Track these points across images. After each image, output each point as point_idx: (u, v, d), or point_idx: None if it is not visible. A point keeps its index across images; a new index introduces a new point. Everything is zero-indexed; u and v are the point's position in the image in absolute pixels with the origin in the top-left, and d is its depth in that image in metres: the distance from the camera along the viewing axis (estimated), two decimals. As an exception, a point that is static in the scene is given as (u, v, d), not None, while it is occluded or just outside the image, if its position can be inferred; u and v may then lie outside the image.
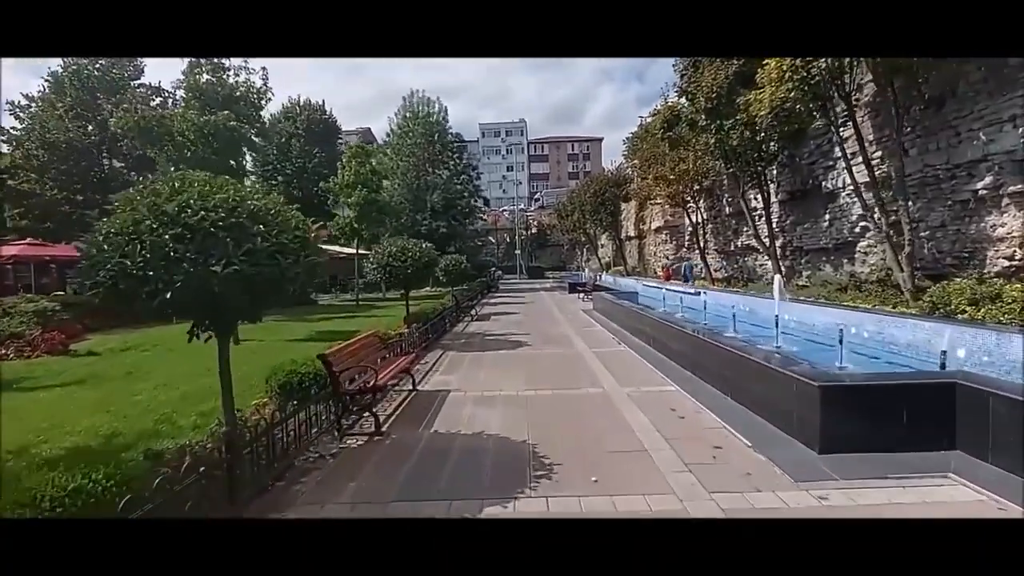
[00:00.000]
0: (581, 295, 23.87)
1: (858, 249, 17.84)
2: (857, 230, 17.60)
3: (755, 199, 21.52)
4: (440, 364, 9.87)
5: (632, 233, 40.89)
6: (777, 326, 9.39)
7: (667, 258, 34.20)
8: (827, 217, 18.93)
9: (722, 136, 19.31)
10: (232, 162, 13.40)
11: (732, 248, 26.31)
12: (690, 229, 31.04)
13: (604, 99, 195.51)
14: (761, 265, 24.13)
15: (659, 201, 27.20)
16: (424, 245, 11.67)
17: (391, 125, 36.32)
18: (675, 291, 19.23)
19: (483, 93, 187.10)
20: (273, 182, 29.59)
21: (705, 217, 27.55)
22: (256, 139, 14.61)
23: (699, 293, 18.16)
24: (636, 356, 9.79)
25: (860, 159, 15.61)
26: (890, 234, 14.47)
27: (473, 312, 17.94)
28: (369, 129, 44.40)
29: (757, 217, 23.61)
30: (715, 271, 27.08)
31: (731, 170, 20.52)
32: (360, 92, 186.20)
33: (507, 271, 53.78)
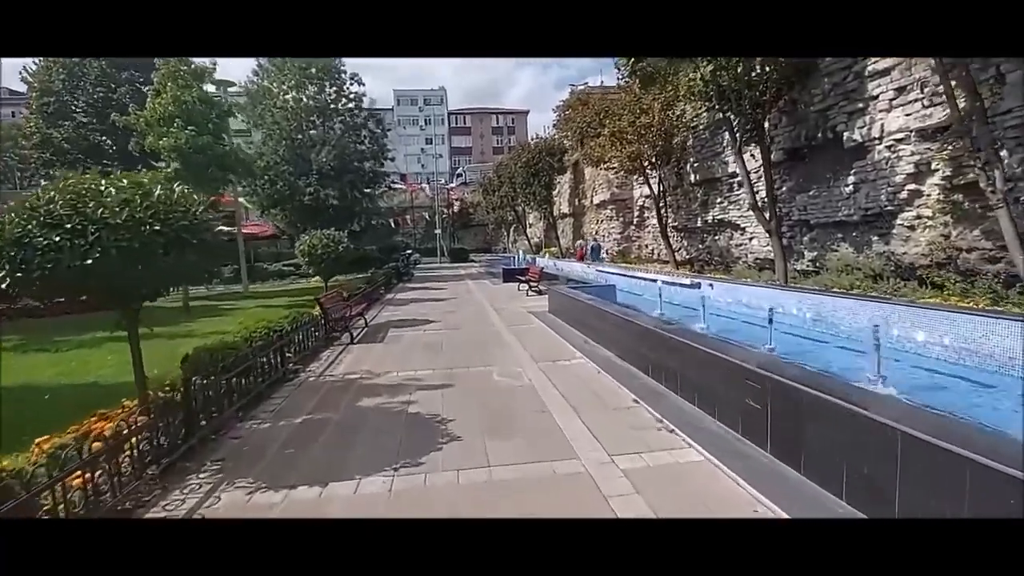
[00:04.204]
0: (527, 288, 17.03)
1: (900, 222, 12.41)
2: (903, 195, 12.09)
3: (748, 159, 15.89)
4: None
5: (567, 210, 35.04)
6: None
7: (599, 237, 28.72)
8: (850, 180, 13.29)
9: (720, 64, 13.35)
10: None
11: (698, 224, 20.68)
12: (641, 203, 25.42)
13: (524, 82, 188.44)
14: (740, 245, 18.63)
15: (613, 165, 20.96)
16: (165, 192, 4.18)
17: (257, 58, 24.92)
18: (673, 284, 12.98)
19: (400, 71, 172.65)
20: (61, 124, 19.37)
21: (663, 188, 21.80)
22: None
23: (698, 285, 12.11)
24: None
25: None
26: (1005, 195, 8.97)
27: (363, 322, 10.59)
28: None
29: (737, 185, 18.12)
30: (675, 252, 21.61)
31: (727, 114, 14.52)
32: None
33: (427, 254, 45.95)
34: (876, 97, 12.20)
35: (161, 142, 13.37)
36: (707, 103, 15.89)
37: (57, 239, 3.56)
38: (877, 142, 12.18)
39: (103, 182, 3.97)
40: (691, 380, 5.19)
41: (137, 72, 19.94)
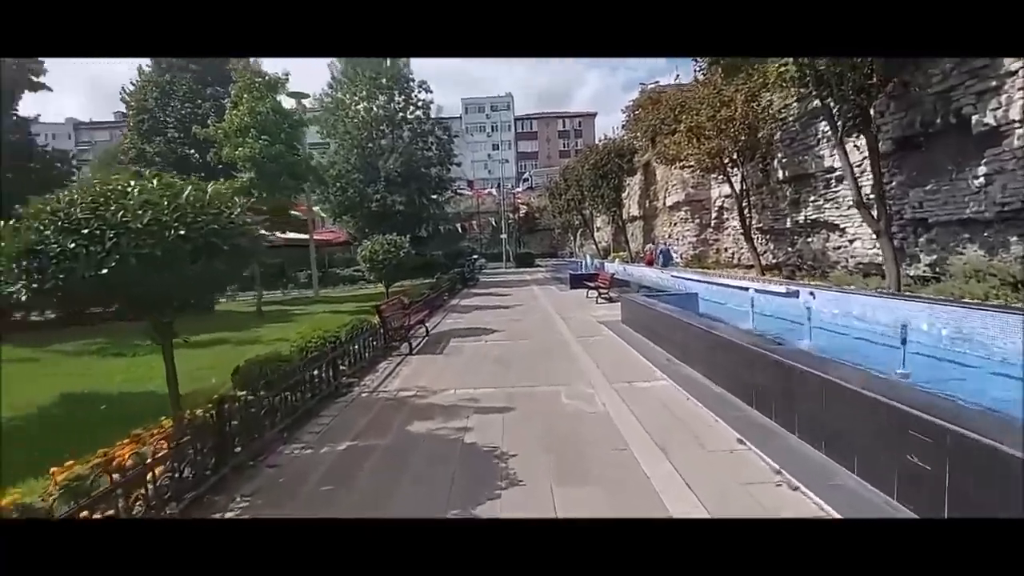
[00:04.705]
0: (596, 295, 16.00)
1: (1052, 219, 10.27)
2: (1057, 186, 10.03)
3: (850, 151, 14.04)
4: None
5: (636, 213, 33.52)
6: None
7: (671, 240, 27.06)
8: (981, 171, 11.20)
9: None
10: None
11: (787, 225, 18.74)
12: (720, 203, 23.62)
13: (592, 84, 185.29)
14: (838, 248, 16.58)
15: (690, 164, 19.48)
16: (196, 194, 3.65)
17: (332, 71, 25.88)
18: (765, 292, 11.54)
19: (465, 79, 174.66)
20: (153, 139, 20.74)
21: (746, 186, 19.98)
22: None
23: (796, 294, 10.58)
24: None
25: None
26: None
27: (423, 331, 10.08)
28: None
29: (836, 180, 16.20)
30: (760, 256, 19.70)
31: (825, 101, 12.85)
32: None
33: (492, 258, 45.77)
34: (1014, 73, 10.21)
35: (237, 152, 13.78)
36: (801, 90, 14.25)
37: (72, 246, 3.16)
38: (1017, 125, 10.19)
39: (131, 183, 3.57)
40: (816, 418, 4.08)
41: (220, 88, 21.12)
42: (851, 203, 13.93)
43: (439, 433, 5.00)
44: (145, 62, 21.73)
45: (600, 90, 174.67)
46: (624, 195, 32.50)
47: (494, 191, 55.14)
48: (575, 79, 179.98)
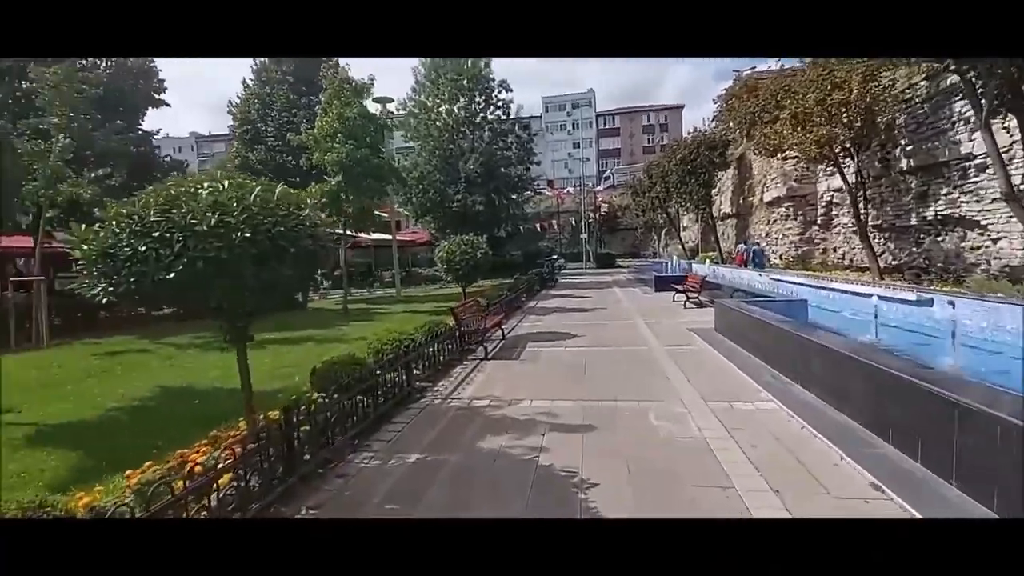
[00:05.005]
0: (684, 299, 14.92)
1: None
2: None
3: (997, 135, 11.94)
4: None
5: (729, 210, 31.29)
6: None
7: (769, 239, 24.83)
8: None
9: None
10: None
11: (911, 222, 16.42)
12: (828, 197, 21.34)
13: (678, 76, 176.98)
14: (978, 248, 14.23)
15: (793, 154, 17.70)
16: (263, 195, 3.53)
17: (416, 76, 26.60)
18: (891, 299, 10.05)
19: (546, 79, 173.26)
20: (255, 147, 22.38)
21: (861, 178, 17.77)
22: None
23: (930, 302, 9.00)
24: None
25: None
26: None
27: (499, 334, 9.78)
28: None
29: (975, 169, 13.96)
30: (878, 256, 17.45)
31: (967, 76, 10.99)
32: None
33: (572, 259, 44.99)
34: None
35: (326, 157, 14.42)
36: (933, 65, 12.34)
37: (143, 249, 3.13)
38: None
39: (203, 184, 3.52)
40: (984, 465, 3.19)
41: (313, 97, 22.47)
42: (996, 195, 12.01)
43: (512, 452, 4.60)
44: (248, 75, 23.87)
45: (687, 82, 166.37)
46: (715, 191, 30.51)
47: (572, 190, 54.31)
48: (660, 73, 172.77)
